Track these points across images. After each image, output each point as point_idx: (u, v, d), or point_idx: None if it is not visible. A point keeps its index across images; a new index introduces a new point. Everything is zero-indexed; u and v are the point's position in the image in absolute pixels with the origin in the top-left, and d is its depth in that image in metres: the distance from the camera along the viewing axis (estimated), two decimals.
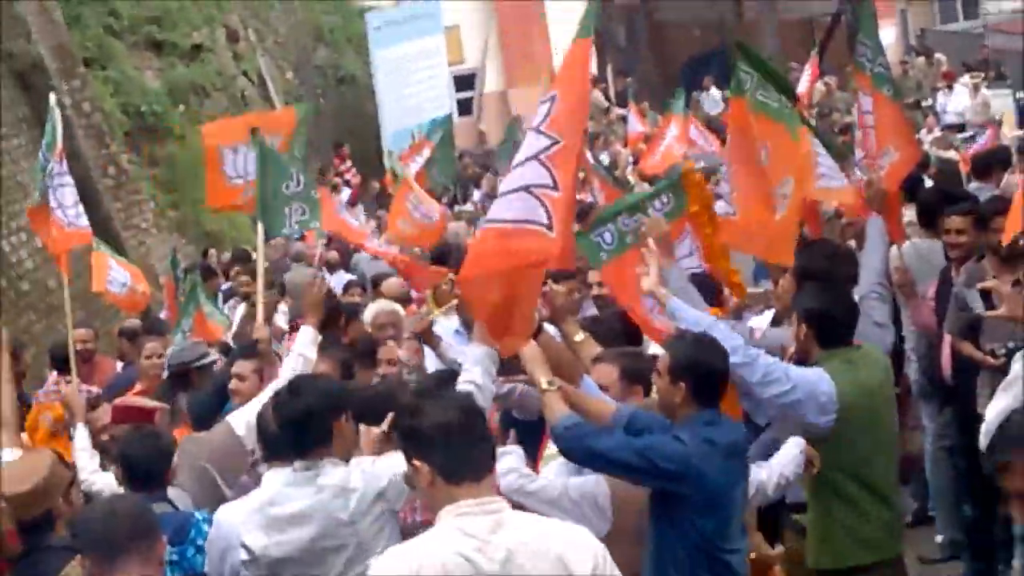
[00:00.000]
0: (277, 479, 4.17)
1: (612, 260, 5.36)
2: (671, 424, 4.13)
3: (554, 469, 4.55)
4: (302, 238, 12.83)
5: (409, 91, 21.05)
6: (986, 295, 5.33)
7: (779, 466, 4.65)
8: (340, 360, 5.75)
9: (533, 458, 4.75)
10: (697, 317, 4.60)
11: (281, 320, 9.00)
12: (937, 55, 24.00)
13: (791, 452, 4.72)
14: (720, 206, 6.14)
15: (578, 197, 8.04)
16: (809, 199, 6.29)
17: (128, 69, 16.76)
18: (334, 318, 6.79)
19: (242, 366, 5.95)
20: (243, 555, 4.09)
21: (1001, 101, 18.15)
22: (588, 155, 11.01)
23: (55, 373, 8.34)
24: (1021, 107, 16.89)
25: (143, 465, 4.66)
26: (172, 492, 4.75)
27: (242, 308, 9.73)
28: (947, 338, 6.24)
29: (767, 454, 4.76)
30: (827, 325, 4.73)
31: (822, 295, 4.83)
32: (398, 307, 7.73)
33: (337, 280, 10.69)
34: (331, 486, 4.10)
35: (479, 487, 3.15)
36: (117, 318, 10.96)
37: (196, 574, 4.31)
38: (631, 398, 4.55)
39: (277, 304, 9.36)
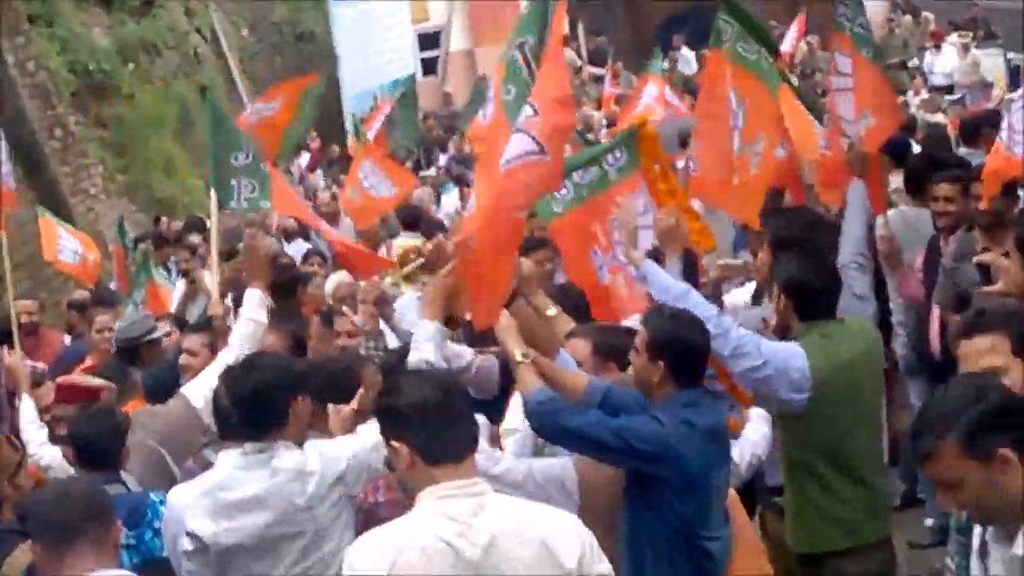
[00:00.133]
0: (228, 461, 3.94)
1: (566, 212, 5.31)
2: (648, 402, 3.97)
3: (511, 446, 4.40)
4: None
5: (371, 50, 20.62)
6: (982, 268, 5.11)
7: (750, 444, 4.55)
8: (291, 333, 5.51)
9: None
10: (669, 283, 4.48)
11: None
12: (924, 13, 23.57)
13: (761, 429, 4.60)
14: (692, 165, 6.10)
15: None
16: (791, 164, 6.17)
17: (75, 26, 16.33)
18: (291, 288, 6.56)
19: (193, 340, 5.74)
20: (187, 544, 3.86)
21: (991, 61, 17.65)
22: None
23: None
24: (1012, 68, 16.47)
25: (95, 445, 4.55)
26: (124, 473, 4.58)
27: (181, 285, 9.37)
28: (936, 311, 6.00)
29: None
30: (807, 296, 4.55)
31: (801, 264, 4.64)
32: None
33: (295, 249, 10.39)
34: (287, 469, 3.87)
35: (460, 468, 3.06)
36: (65, 289, 10.64)
37: (155, 558, 4.16)
38: (604, 374, 4.36)
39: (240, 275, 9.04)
